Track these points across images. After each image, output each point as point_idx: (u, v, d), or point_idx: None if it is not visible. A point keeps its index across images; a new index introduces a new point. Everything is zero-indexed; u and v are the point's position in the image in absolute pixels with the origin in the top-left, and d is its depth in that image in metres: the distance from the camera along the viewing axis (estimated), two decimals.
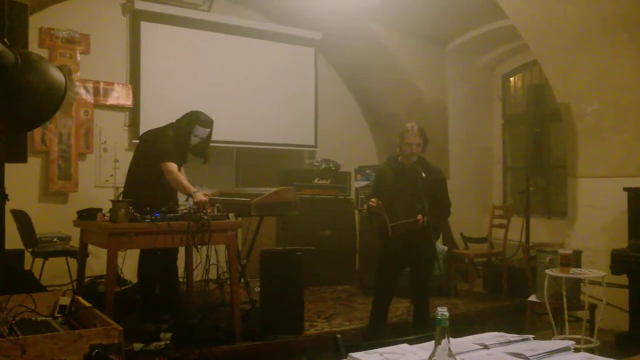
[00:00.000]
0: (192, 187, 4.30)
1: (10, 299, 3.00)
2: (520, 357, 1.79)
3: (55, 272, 5.25)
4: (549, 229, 6.56)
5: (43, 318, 2.92)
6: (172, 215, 3.91)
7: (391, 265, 4.19)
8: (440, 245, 5.61)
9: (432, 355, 1.33)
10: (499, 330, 2.10)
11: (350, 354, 1.80)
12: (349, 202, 6.76)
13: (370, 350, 1.82)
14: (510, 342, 1.97)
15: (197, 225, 3.84)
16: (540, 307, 4.53)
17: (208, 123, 4.66)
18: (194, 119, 4.62)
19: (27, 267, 5.02)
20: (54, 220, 5.51)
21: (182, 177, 4.46)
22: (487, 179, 7.63)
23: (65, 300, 3.12)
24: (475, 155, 7.49)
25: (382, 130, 7.96)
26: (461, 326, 4.56)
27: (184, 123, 4.63)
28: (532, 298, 4.73)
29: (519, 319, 5.10)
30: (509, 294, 5.69)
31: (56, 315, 3.05)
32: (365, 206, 4.37)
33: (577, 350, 1.94)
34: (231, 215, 4.67)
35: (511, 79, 7.51)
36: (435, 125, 7.01)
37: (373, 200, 4.03)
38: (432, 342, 1.41)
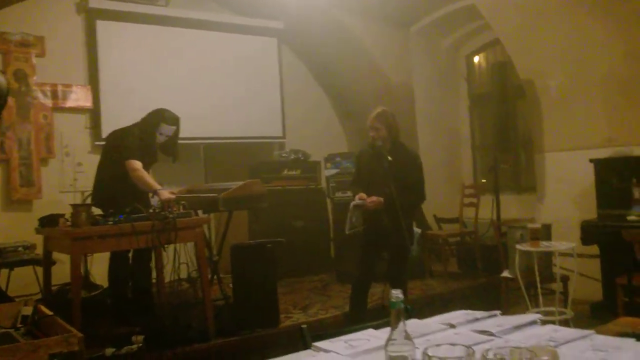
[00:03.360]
0: (157, 185, 4.21)
1: None
2: (486, 334, 1.77)
3: (23, 281, 5.11)
4: (520, 204, 6.60)
5: (4, 330, 2.83)
6: (136, 215, 3.82)
7: (370, 250, 4.18)
8: (414, 228, 5.60)
9: (389, 339, 1.29)
10: (475, 309, 2.08)
11: (315, 343, 1.76)
12: (320, 191, 6.71)
13: (335, 338, 1.79)
14: (477, 319, 1.96)
15: (162, 224, 3.76)
16: (514, 283, 4.55)
17: (174, 120, 4.57)
18: (159, 117, 4.52)
19: None
20: (19, 229, 5.35)
21: (147, 175, 4.35)
22: (456, 159, 7.64)
23: (28, 310, 3.03)
24: (444, 136, 7.49)
25: (351, 117, 7.92)
26: (437, 307, 4.57)
27: (148, 121, 4.53)
28: (505, 274, 4.75)
29: (494, 295, 5.13)
30: (484, 271, 5.73)
31: (18, 326, 2.95)
32: (352, 194, 4.29)
33: (544, 323, 1.93)
34: (201, 212, 4.60)
35: (475, 58, 7.51)
36: (403, 108, 6.98)
37: (362, 195, 4.01)
38: None
